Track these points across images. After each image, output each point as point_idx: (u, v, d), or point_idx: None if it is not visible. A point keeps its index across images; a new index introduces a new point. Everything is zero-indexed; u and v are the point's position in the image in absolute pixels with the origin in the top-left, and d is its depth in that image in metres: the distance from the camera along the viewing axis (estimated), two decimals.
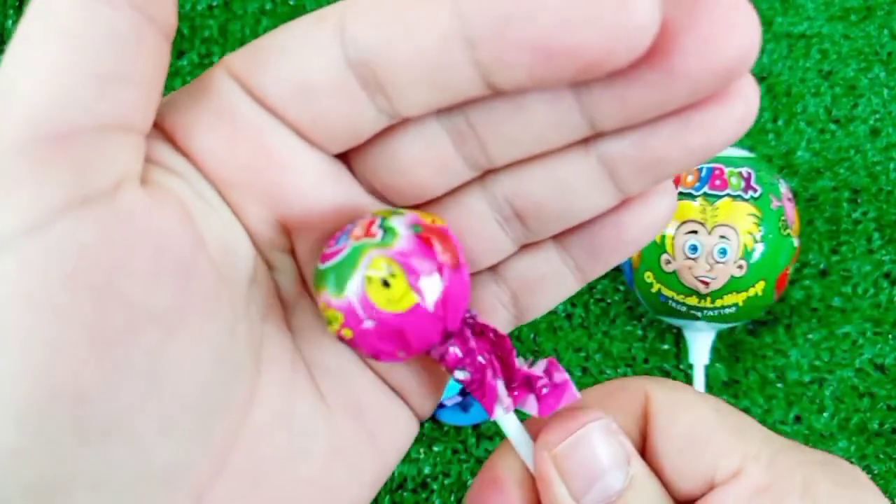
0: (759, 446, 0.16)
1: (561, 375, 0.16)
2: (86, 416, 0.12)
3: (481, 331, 0.16)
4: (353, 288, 0.14)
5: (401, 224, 0.15)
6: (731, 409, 0.17)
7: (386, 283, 0.14)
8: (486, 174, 0.16)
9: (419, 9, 0.13)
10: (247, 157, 0.15)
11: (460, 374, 0.16)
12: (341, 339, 0.15)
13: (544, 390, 0.16)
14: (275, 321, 0.16)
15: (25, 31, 0.12)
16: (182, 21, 0.45)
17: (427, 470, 0.40)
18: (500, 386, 0.16)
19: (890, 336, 0.42)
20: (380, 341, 0.15)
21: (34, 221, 0.12)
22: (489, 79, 0.13)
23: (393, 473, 0.39)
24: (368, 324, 0.14)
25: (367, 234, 0.15)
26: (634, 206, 0.16)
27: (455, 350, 0.16)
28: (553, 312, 0.42)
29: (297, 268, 0.16)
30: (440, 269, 0.15)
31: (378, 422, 0.17)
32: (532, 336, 0.42)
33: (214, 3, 0.45)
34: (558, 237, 0.17)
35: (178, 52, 0.45)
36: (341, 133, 0.15)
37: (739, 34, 0.13)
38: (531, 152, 0.15)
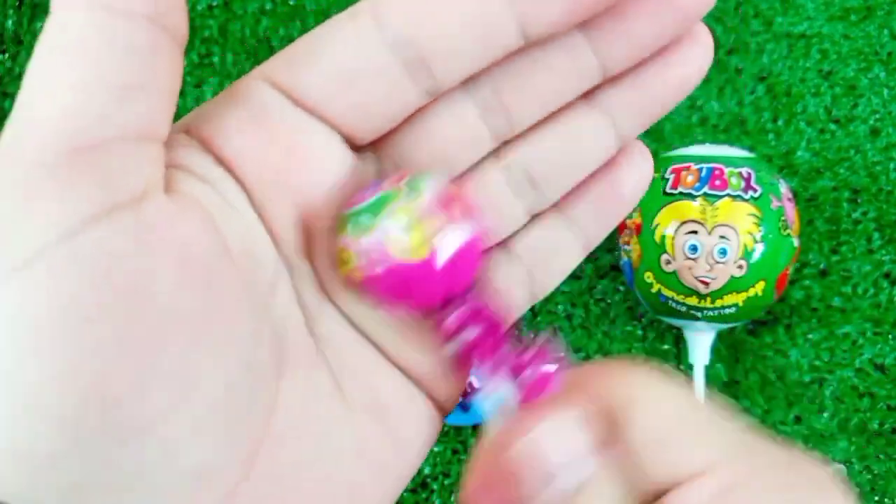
0: (727, 446, 0.16)
1: (548, 367, 0.16)
2: (119, 419, 0.13)
3: (479, 311, 0.16)
4: (371, 233, 0.15)
5: (428, 184, 0.15)
6: (708, 405, 0.17)
7: (403, 233, 0.15)
8: (501, 146, 0.18)
9: None
10: (279, 161, 0.15)
11: (449, 348, 0.16)
12: (350, 281, 0.16)
13: (528, 380, 0.16)
14: (296, 324, 0.16)
15: (45, 46, 0.13)
16: None
17: (427, 470, 0.40)
18: (485, 372, 0.16)
19: (890, 336, 0.42)
20: (386, 289, 0.15)
21: (63, 231, 0.12)
22: (526, 27, 0.15)
23: None
24: (378, 269, 0.15)
25: (395, 187, 0.15)
26: (623, 164, 0.18)
27: (453, 317, 0.16)
28: (553, 312, 0.42)
29: (314, 271, 0.17)
30: (456, 232, 0.15)
31: (401, 421, 0.17)
32: (532, 336, 0.42)
33: (214, 3, 0.45)
34: (562, 206, 0.19)
35: None
36: (379, 120, 0.16)
37: None
38: (551, 108, 0.17)
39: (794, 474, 0.16)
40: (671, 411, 0.16)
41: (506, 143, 0.17)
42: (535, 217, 0.19)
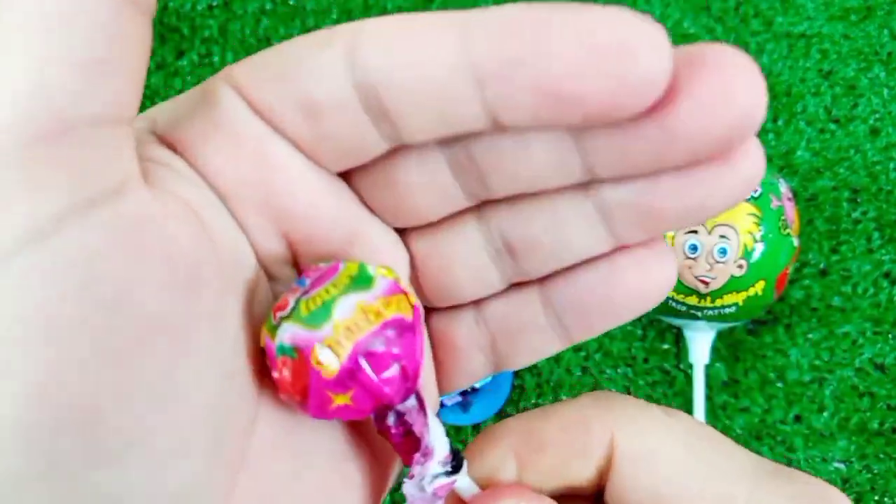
0: (735, 483, 0.16)
1: (445, 482, 0.15)
2: (100, 436, 0.12)
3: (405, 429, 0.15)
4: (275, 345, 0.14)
5: (341, 302, 0.14)
6: (706, 436, 0.16)
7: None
8: (483, 204, 0.16)
9: (430, 39, 0.13)
10: (248, 170, 0.14)
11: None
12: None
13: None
14: None
15: (3, 20, 0.11)
16: (182, 21, 0.46)
17: None
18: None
19: (890, 336, 0.42)
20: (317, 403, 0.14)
21: (37, 230, 0.11)
22: (494, 116, 0.13)
23: None
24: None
25: (309, 296, 0.14)
26: (629, 269, 0.16)
27: (392, 428, 0.15)
28: None
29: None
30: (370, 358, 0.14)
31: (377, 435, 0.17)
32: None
33: (214, 3, 0.45)
34: (546, 288, 0.17)
35: (178, 52, 0.45)
36: (343, 154, 0.15)
37: (743, 101, 0.12)
38: (529, 189, 0.15)
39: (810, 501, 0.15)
40: (670, 460, 0.16)
41: (488, 202, 0.16)
42: (516, 286, 0.17)
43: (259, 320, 0.15)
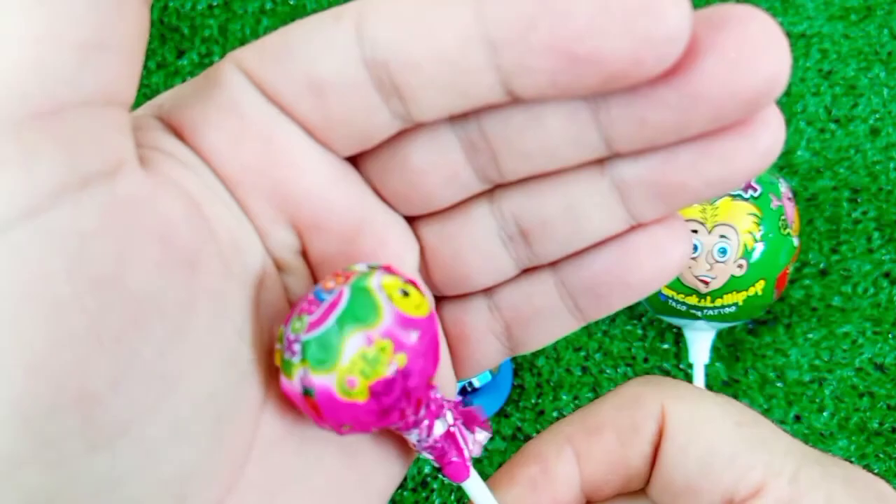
0: (782, 461, 0.16)
1: (456, 457, 0.16)
2: (95, 418, 0.11)
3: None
4: (294, 378, 0.14)
5: (354, 327, 0.13)
6: (754, 417, 0.17)
7: (333, 386, 0.14)
8: (495, 188, 0.16)
9: (440, 9, 0.13)
10: (254, 155, 0.14)
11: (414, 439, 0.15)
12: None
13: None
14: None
15: None
16: (182, 21, 0.46)
17: (427, 469, 0.40)
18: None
19: (890, 335, 0.42)
20: (322, 423, 0.14)
21: (29, 207, 0.11)
22: (509, 85, 0.13)
23: None
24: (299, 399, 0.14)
25: (327, 322, 0.14)
26: (644, 248, 0.15)
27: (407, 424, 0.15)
28: None
29: (308, 269, 0.16)
30: (390, 366, 0.14)
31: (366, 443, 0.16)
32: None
33: (214, 3, 0.46)
34: (560, 271, 0.16)
35: (178, 52, 0.45)
36: (352, 135, 0.14)
37: (769, 60, 0.12)
38: (544, 168, 0.15)
39: (857, 487, 0.16)
40: (722, 432, 0.16)
41: (500, 186, 0.15)
42: (529, 271, 0.16)
43: (269, 310, 0.15)
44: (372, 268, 0.14)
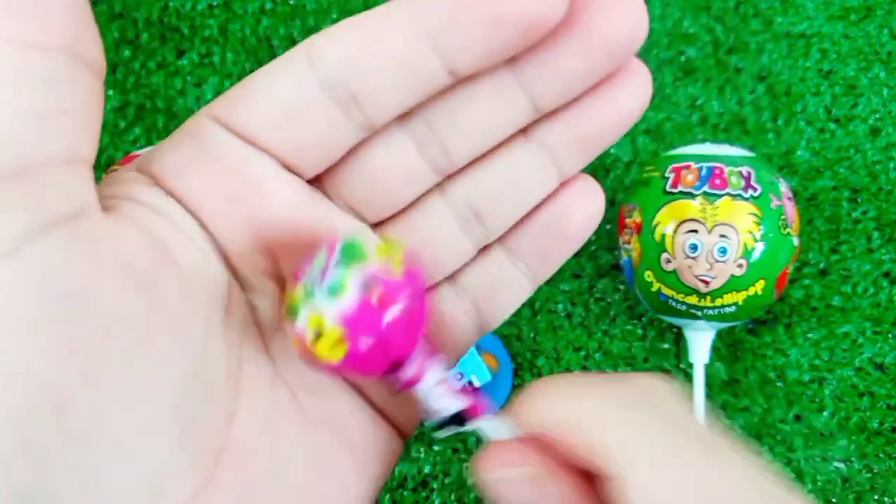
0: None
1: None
2: (69, 418, 0.13)
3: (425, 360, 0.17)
4: (297, 322, 0.16)
5: (352, 275, 0.15)
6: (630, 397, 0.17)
7: (318, 336, 0.15)
8: (444, 180, 0.18)
9: (380, 20, 0.15)
10: (230, 189, 0.16)
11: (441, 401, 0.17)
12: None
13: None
14: (253, 344, 0.17)
15: None
16: (182, 21, 0.46)
17: (427, 469, 0.40)
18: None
19: (890, 335, 0.42)
20: (330, 371, 0.16)
21: (1, 253, 0.12)
22: (451, 64, 0.15)
23: (393, 472, 0.39)
24: (314, 362, 0.16)
25: (323, 274, 0.15)
26: (567, 200, 0.18)
27: (408, 373, 0.16)
28: (553, 311, 0.42)
29: (278, 291, 0.17)
30: (376, 330, 0.15)
31: (358, 435, 0.17)
32: (532, 335, 0.42)
33: (214, 3, 0.45)
34: (507, 241, 0.19)
35: (178, 52, 0.45)
36: (319, 153, 0.16)
37: (624, 11, 0.16)
38: (486, 145, 0.17)
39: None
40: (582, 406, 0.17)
41: (449, 177, 0.18)
42: (482, 250, 0.19)
43: (237, 327, 0.16)
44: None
